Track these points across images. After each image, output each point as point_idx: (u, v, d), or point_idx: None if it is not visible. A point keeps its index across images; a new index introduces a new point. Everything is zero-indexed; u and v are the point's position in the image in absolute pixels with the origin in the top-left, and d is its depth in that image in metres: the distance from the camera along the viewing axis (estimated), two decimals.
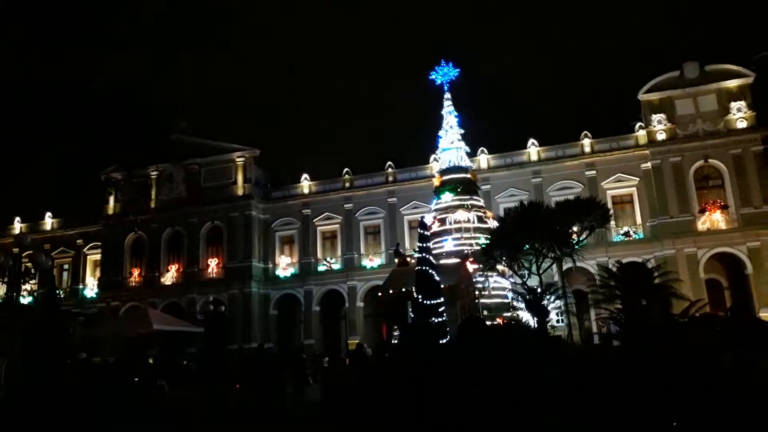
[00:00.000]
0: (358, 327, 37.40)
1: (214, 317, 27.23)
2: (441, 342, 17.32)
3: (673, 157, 33.39)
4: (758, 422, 6.49)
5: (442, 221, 28.35)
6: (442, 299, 19.82)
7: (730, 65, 33.66)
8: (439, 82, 31.14)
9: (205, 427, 13.66)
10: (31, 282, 19.23)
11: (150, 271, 41.27)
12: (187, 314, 37.58)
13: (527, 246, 21.94)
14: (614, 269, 23.78)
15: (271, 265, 40.79)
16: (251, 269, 39.34)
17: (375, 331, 33.68)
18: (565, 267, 24.69)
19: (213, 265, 40.30)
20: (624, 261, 30.32)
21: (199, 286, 39.64)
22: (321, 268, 39.63)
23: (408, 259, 27.96)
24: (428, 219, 26.86)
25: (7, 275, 17.32)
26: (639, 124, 35.09)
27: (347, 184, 40.43)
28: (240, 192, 40.76)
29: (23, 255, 19.95)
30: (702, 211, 32.55)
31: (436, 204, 29.59)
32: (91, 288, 44.08)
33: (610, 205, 31.39)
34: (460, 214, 28.09)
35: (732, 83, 33.34)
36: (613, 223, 30.60)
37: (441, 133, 30.91)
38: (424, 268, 20.18)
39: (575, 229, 22.60)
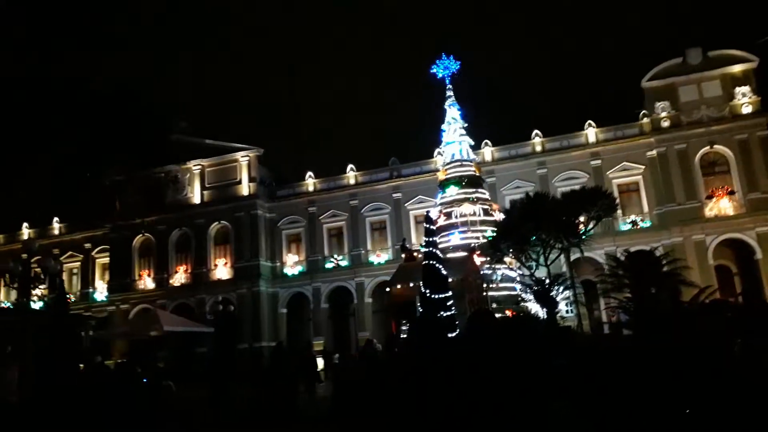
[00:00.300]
0: (367, 323, 37.48)
1: (224, 317, 27.36)
2: (450, 335, 17.34)
3: (678, 144, 33.22)
4: None
5: (448, 215, 28.32)
6: (450, 293, 19.82)
7: (734, 50, 33.43)
8: (440, 75, 31.02)
9: (212, 427, 13.67)
10: (40, 287, 19.33)
11: (159, 272, 41.49)
12: (197, 315, 37.81)
13: (534, 237, 21.89)
14: (622, 258, 23.69)
15: (278, 264, 40.91)
16: (259, 268, 39.46)
17: (384, 326, 33.72)
18: (572, 257, 24.64)
19: (221, 265, 40.46)
20: (632, 250, 30.20)
21: (208, 286, 39.81)
22: (328, 266, 39.70)
23: (415, 253, 27.95)
24: (434, 213, 26.83)
25: (16, 281, 17.43)
26: (643, 112, 34.93)
27: (352, 181, 40.46)
28: (245, 192, 40.86)
29: (32, 260, 20.10)
30: (709, 198, 32.42)
31: (442, 198, 29.54)
32: (100, 291, 44.34)
33: (616, 194, 31.32)
34: (466, 208, 28.04)
35: (736, 68, 33.12)
36: (619, 212, 30.54)
37: (444, 126, 30.83)
38: (431, 262, 20.19)
39: (582, 219, 22.54)
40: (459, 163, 29.63)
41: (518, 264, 24.01)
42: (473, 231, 27.27)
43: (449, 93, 30.83)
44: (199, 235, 41.07)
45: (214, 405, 15.68)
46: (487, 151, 37.11)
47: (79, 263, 45.77)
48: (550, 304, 20.94)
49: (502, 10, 78.56)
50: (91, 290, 44.80)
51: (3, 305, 42.72)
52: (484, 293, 24.71)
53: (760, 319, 9.07)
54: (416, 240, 34.78)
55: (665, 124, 33.72)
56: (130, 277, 42.01)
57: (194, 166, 41.81)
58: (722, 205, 32.08)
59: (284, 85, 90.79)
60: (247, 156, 41.27)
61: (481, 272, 25.34)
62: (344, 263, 39.33)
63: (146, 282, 41.72)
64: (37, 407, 14.97)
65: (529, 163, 36.30)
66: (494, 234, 24.18)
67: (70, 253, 45.41)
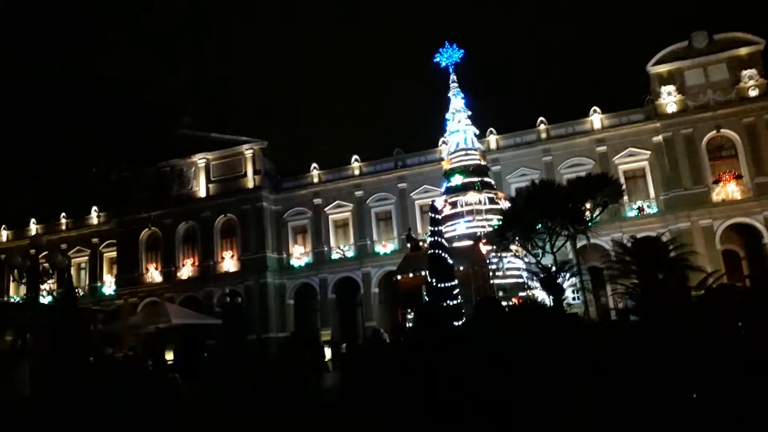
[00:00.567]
0: (374, 313, 37.60)
1: (231, 309, 27.50)
2: (456, 323, 17.37)
3: (684, 128, 33.01)
4: None
5: (454, 204, 28.27)
6: (456, 282, 19.83)
7: (740, 33, 33.13)
8: (444, 64, 30.88)
9: (216, 421, 13.64)
10: (49, 282, 19.46)
11: (166, 266, 41.72)
12: (204, 307, 38.01)
13: (540, 225, 21.85)
14: (629, 244, 23.61)
15: (285, 256, 41.04)
16: (266, 260, 39.60)
17: (391, 316, 33.83)
18: (579, 244, 24.57)
19: (228, 257, 40.63)
20: (638, 236, 29.92)
21: (215, 278, 40.03)
22: (335, 256, 39.79)
23: (420, 243, 27.97)
24: (439, 202, 26.81)
25: (25, 276, 17.55)
26: (649, 97, 34.69)
27: (357, 172, 40.45)
28: (250, 184, 40.94)
29: (40, 256, 20.22)
30: (716, 182, 32.23)
31: (447, 187, 29.50)
32: (108, 285, 44.67)
33: (622, 180, 31.16)
34: (471, 196, 27.98)
35: (742, 51, 32.82)
36: (626, 198, 30.40)
37: (448, 116, 30.71)
38: (436, 251, 20.18)
39: (588, 205, 22.47)
40: (464, 152, 29.54)
41: (524, 252, 23.98)
42: (479, 220, 27.23)
43: (453, 82, 30.70)
44: (206, 228, 41.23)
45: (223, 398, 15.76)
46: (492, 140, 37.00)
47: (86, 258, 46.11)
48: (556, 291, 20.91)
49: None
50: (99, 284, 45.15)
51: (12, 300, 43.11)
52: (491, 281, 24.71)
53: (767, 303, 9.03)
54: (422, 230, 34.81)
55: (671, 108, 33.50)
56: (138, 271, 42.25)
57: (199, 159, 41.96)
58: (729, 190, 31.89)
59: (287, 77, 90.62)
60: (252, 149, 41.32)
61: (487, 261, 25.33)
62: (350, 254, 39.41)
63: (154, 275, 41.96)
64: (49, 400, 15.11)
65: (535, 150, 36.16)
66: (500, 222, 24.15)
67: (77, 248, 45.73)
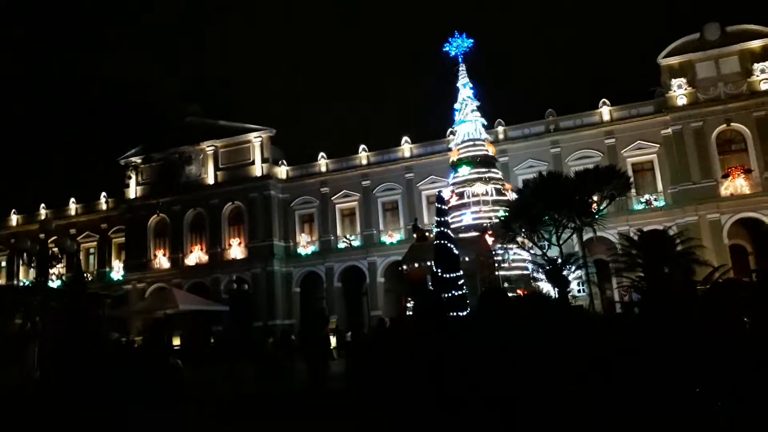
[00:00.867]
0: (380, 302, 37.75)
1: (237, 296, 27.68)
2: (456, 314, 17.42)
3: (694, 121, 32.79)
4: None
5: (460, 195, 28.26)
6: (461, 272, 19.88)
7: (753, 25, 32.78)
8: (453, 54, 30.75)
9: (212, 411, 13.52)
10: (58, 266, 19.63)
11: (174, 252, 41.99)
12: (212, 293, 38.28)
13: (547, 217, 21.83)
14: (635, 237, 23.58)
15: (292, 244, 41.20)
16: (273, 248, 39.78)
17: (396, 305, 33.95)
18: (585, 237, 24.56)
19: (235, 244, 40.84)
20: (645, 229, 30.00)
21: (222, 265, 40.24)
22: (341, 245, 39.92)
23: (427, 233, 28.01)
24: (446, 193, 26.80)
25: (35, 260, 17.72)
26: (659, 89, 34.45)
27: (364, 161, 40.47)
28: (258, 172, 41.05)
29: (49, 240, 20.38)
30: (725, 176, 32.04)
31: (454, 178, 29.46)
32: (117, 271, 45.01)
33: (630, 173, 30.95)
34: (478, 187, 27.95)
35: (755, 44, 32.51)
36: (633, 191, 30.25)
37: (456, 106, 30.60)
38: (442, 242, 20.23)
39: (595, 198, 22.41)
40: (471, 143, 29.46)
41: (530, 244, 23.97)
42: (485, 211, 27.22)
43: (462, 72, 30.57)
44: (214, 216, 41.43)
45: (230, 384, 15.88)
46: (500, 131, 36.89)
47: (95, 243, 46.47)
48: (561, 283, 20.95)
49: None
50: (107, 269, 45.52)
51: (22, 284, 43.51)
52: (496, 273, 24.75)
53: None
54: (428, 220, 34.84)
55: (681, 101, 33.27)
56: (146, 257, 42.54)
57: (208, 147, 42.09)
58: (738, 184, 31.71)
59: (296, 65, 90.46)
60: (260, 137, 41.40)
61: (493, 252, 25.35)
62: (356, 243, 39.53)
63: (161, 261, 42.24)
64: (58, 384, 15.30)
65: (543, 142, 36.06)
66: (506, 214, 24.14)
67: (86, 233, 46.09)
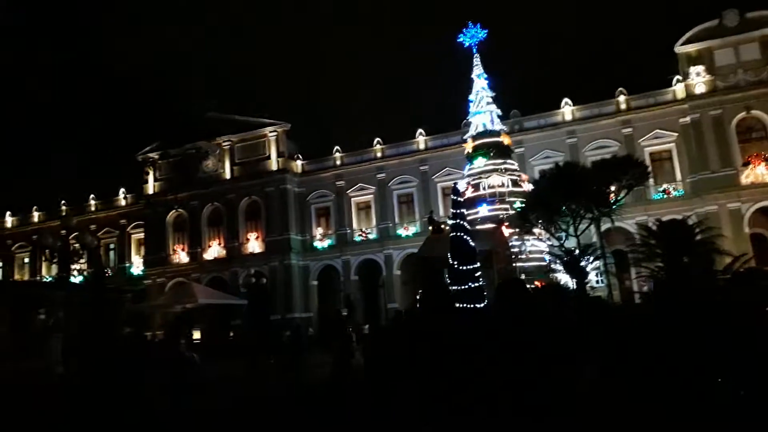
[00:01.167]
0: (396, 295, 37.84)
1: (256, 289, 27.92)
2: (478, 305, 17.42)
3: (713, 110, 32.31)
4: None
5: (476, 187, 28.14)
6: (478, 264, 19.84)
7: None
8: (467, 44, 30.53)
9: (228, 408, 13.47)
10: (79, 262, 19.97)
11: (192, 247, 42.44)
12: (230, 287, 38.67)
13: (564, 208, 21.68)
14: (654, 227, 23.35)
15: (308, 237, 41.43)
16: (290, 242, 40.04)
17: (412, 297, 34.00)
18: (603, 227, 24.37)
19: (253, 239, 41.15)
20: (664, 219, 29.64)
21: (240, 259, 40.62)
22: (357, 239, 40.05)
23: (442, 226, 27.96)
24: (461, 185, 26.70)
25: (56, 256, 18.04)
26: (677, 77, 33.99)
27: (379, 154, 40.49)
28: (274, 166, 41.28)
29: (70, 236, 20.72)
30: (745, 165, 31.56)
31: (470, 169, 29.32)
32: (137, 266, 45.60)
33: (648, 162, 30.63)
34: (494, 179, 27.79)
35: None
36: (651, 180, 29.93)
37: (471, 96, 30.40)
38: (458, 234, 20.18)
39: (613, 188, 22.21)
40: (487, 134, 29.31)
41: (547, 235, 23.84)
42: (502, 202, 27.09)
43: (476, 62, 30.35)
44: (231, 210, 41.78)
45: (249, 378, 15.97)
46: (516, 121, 36.66)
47: (115, 239, 47.10)
48: (579, 274, 20.81)
49: None
50: (127, 265, 46.13)
51: (45, 280, 44.29)
52: (513, 264, 24.67)
53: None
54: (444, 212, 34.79)
55: (700, 89, 32.79)
56: (165, 252, 43.03)
57: (224, 141, 42.40)
58: (759, 172, 31.21)
59: (310, 59, 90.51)
60: (275, 131, 41.59)
61: (510, 243, 25.26)
62: (372, 236, 39.63)
63: (180, 256, 42.71)
64: (82, 377, 15.56)
65: (559, 132, 35.78)
66: (523, 205, 24.01)
67: (106, 229, 46.71)
